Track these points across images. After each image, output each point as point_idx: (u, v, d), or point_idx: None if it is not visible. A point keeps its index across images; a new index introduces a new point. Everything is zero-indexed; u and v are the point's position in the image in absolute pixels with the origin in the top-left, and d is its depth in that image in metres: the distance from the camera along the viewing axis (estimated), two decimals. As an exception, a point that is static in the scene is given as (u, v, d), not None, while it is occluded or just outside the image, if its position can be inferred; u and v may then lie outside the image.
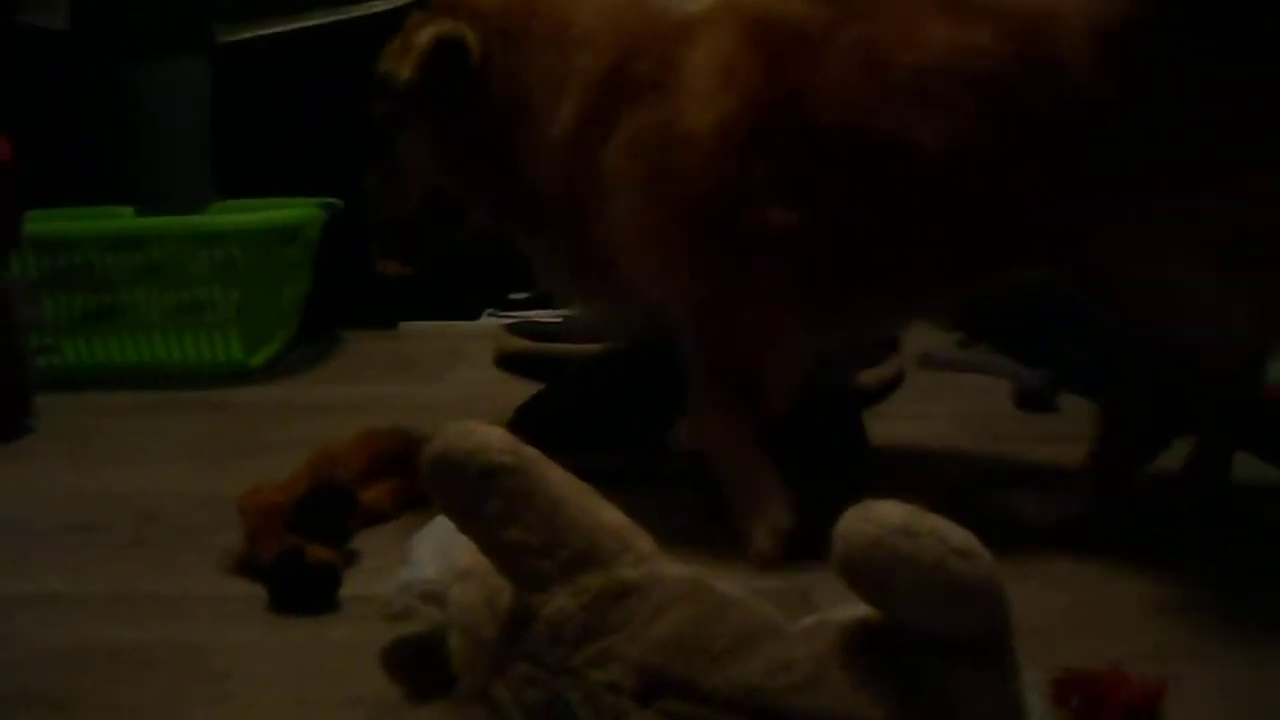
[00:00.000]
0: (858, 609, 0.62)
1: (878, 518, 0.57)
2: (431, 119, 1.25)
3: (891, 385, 1.60)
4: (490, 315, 2.43)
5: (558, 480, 0.65)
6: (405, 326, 2.39)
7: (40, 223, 1.90)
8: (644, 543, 0.66)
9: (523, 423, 1.34)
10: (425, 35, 1.19)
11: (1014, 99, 1.06)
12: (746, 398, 1.14)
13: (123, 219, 2.16)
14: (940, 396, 1.65)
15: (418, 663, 0.78)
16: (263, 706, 0.86)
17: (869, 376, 1.62)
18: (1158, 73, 1.03)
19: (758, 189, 1.11)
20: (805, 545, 1.05)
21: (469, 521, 0.66)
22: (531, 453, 0.65)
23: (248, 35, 2.43)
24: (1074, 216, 1.08)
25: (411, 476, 1.03)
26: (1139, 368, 1.19)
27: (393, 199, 1.34)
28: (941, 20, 1.10)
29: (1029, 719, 0.62)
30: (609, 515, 0.66)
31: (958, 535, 0.57)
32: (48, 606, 1.07)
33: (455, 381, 1.93)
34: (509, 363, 1.56)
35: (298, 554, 1.02)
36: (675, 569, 0.65)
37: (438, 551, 0.79)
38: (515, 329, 1.59)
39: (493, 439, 0.64)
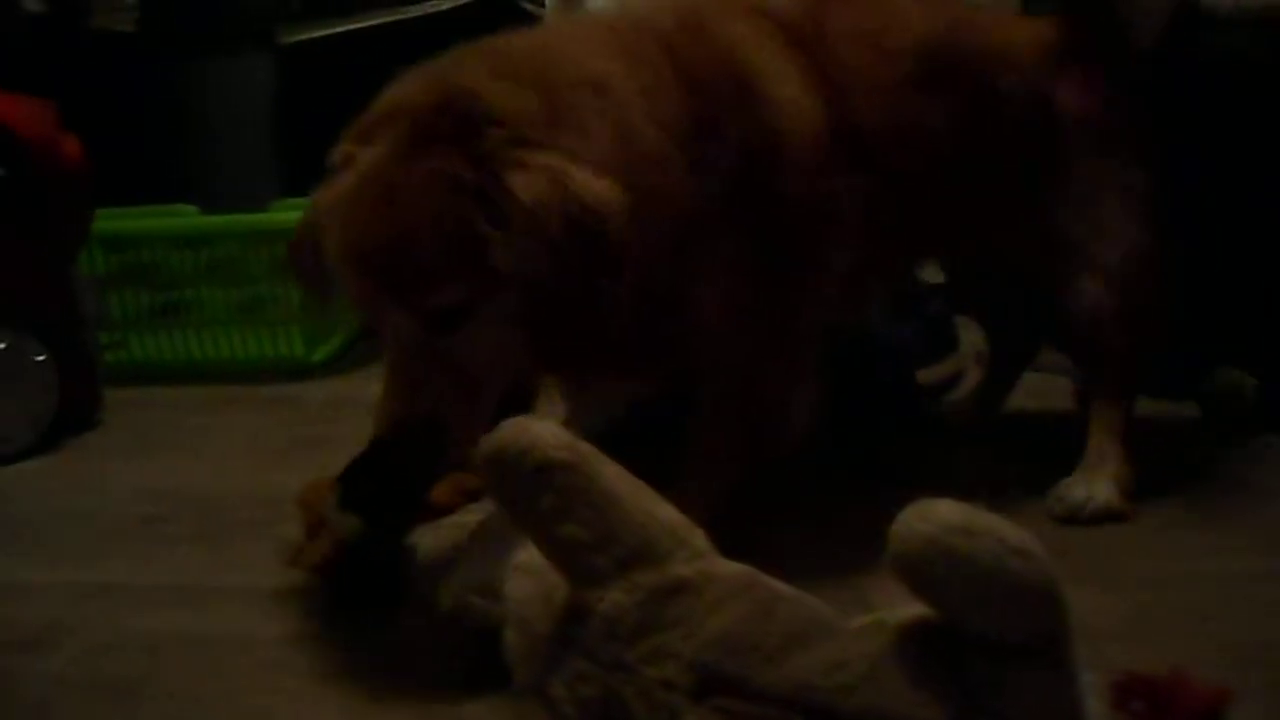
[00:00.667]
0: (914, 609, 0.61)
1: (935, 516, 0.56)
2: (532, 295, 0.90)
3: (950, 382, 1.59)
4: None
5: (613, 477, 0.65)
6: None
7: (108, 221, 1.94)
8: (698, 539, 0.66)
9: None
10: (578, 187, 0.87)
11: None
12: (765, 442, 1.09)
13: (188, 217, 2.20)
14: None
15: (472, 657, 0.79)
16: (318, 696, 0.87)
17: (929, 374, 1.61)
18: None
19: (835, 194, 1.07)
20: (863, 545, 1.04)
21: (524, 517, 0.66)
22: (587, 449, 0.65)
23: (310, 35, 2.46)
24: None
25: (469, 471, 1.04)
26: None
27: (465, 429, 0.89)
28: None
29: (1088, 720, 0.61)
30: (664, 512, 0.66)
31: (1015, 534, 0.56)
32: (114, 596, 1.09)
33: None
34: None
35: (358, 550, 1.02)
36: (729, 566, 0.65)
37: (494, 547, 0.80)
38: None
39: (548, 435, 0.65)
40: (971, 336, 1.66)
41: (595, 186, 0.87)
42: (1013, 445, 1.46)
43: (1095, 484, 1.19)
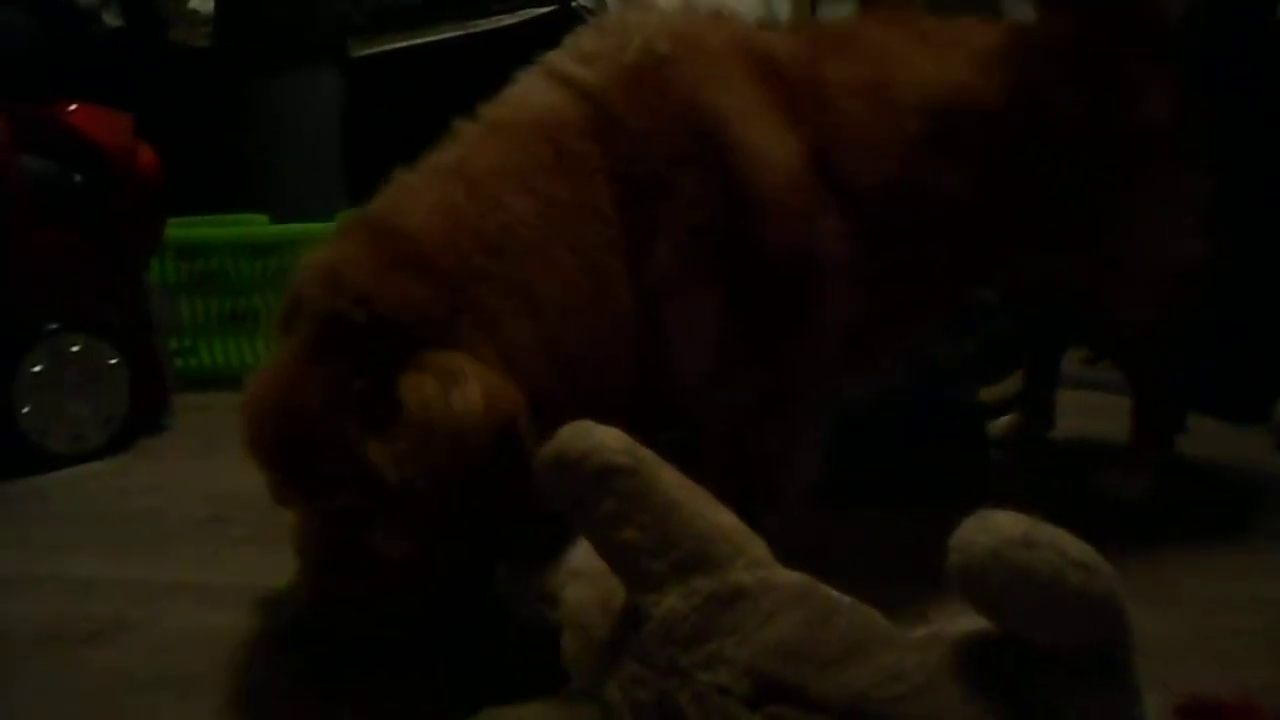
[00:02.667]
0: (973, 621, 0.61)
1: (995, 528, 0.56)
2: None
3: (1012, 402, 1.57)
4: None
5: (672, 482, 0.65)
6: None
7: (180, 229, 1.98)
8: (757, 547, 0.66)
9: None
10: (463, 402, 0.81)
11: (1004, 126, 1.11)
12: (760, 501, 0.95)
13: (257, 226, 2.24)
14: (1064, 414, 1.61)
15: (530, 660, 0.80)
16: (374, 694, 0.88)
17: (991, 393, 1.60)
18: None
19: (820, 247, 0.99)
20: (921, 557, 1.03)
21: (584, 521, 0.66)
22: (647, 454, 0.66)
23: (378, 49, 2.50)
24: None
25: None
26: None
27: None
28: (925, 55, 1.11)
29: (1150, 742, 0.60)
30: (723, 518, 0.66)
31: (1077, 548, 0.55)
32: (179, 594, 1.12)
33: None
34: None
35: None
36: (787, 574, 0.65)
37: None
38: None
39: (608, 439, 0.65)
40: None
41: (490, 390, 0.81)
42: (1073, 462, 1.45)
43: (1131, 476, 1.27)
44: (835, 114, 1.02)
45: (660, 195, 0.94)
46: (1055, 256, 1.23)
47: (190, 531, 1.31)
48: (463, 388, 0.80)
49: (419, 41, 2.42)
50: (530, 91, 0.99)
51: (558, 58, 1.01)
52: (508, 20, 2.21)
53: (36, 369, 1.58)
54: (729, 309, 0.96)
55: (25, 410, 1.57)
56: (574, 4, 2.11)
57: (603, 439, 0.65)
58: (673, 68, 0.97)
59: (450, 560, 0.89)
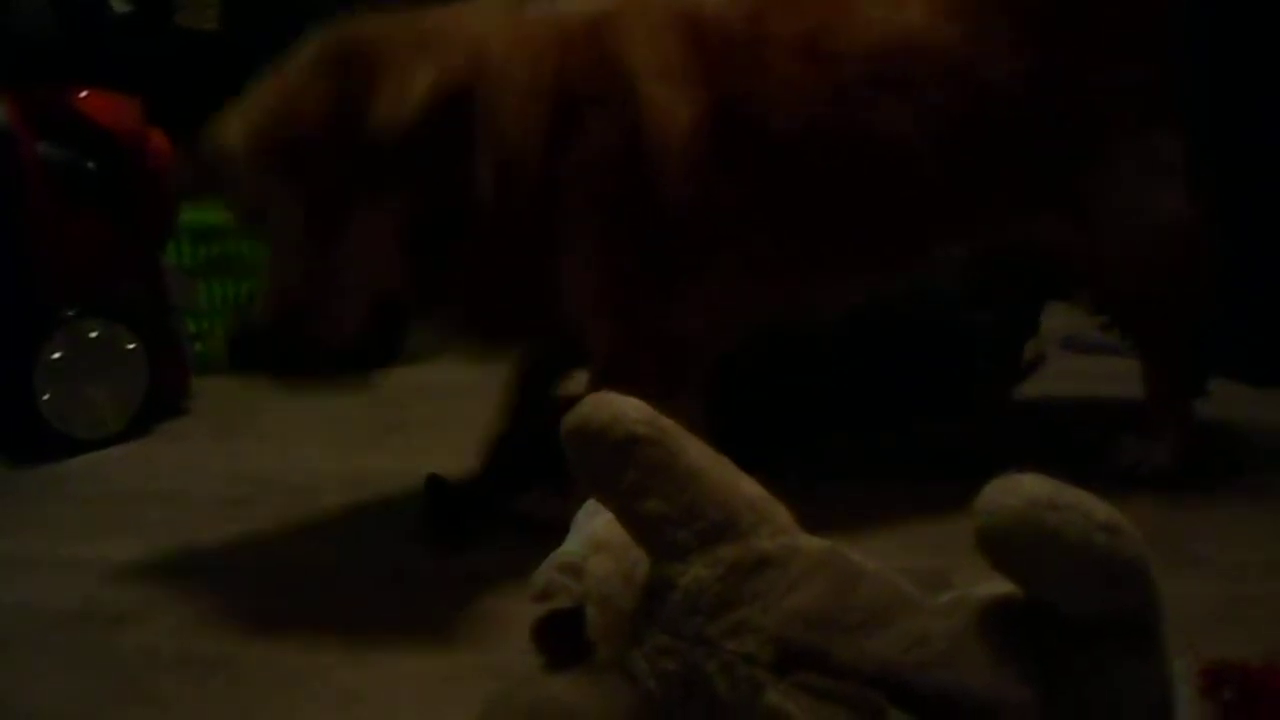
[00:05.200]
0: (998, 586, 0.61)
1: (1021, 491, 0.55)
2: (408, 192, 1.01)
3: (1031, 368, 1.57)
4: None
5: (695, 451, 0.65)
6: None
7: (194, 214, 1.98)
8: (781, 515, 0.65)
9: None
10: (423, 78, 0.98)
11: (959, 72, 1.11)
12: None
13: (271, 209, 2.23)
14: (1083, 379, 1.60)
15: (555, 633, 0.80)
16: (404, 673, 0.89)
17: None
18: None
19: (721, 198, 1.06)
20: (946, 525, 1.04)
21: (607, 492, 0.66)
22: (669, 424, 0.65)
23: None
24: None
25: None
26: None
27: (327, 313, 1.03)
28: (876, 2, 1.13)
29: (1177, 707, 0.59)
30: (746, 487, 0.66)
31: (1104, 510, 0.55)
32: (203, 575, 1.12)
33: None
34: None
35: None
36: (812, 541, 0.65)
37: (577, 524, 0.80)
38: None
39: (630, 410, 0.65)
40: (1052, 323, 1.64)
41: (445, 66, 0.98)
42: (1091, 427, 1.44)
43: (1152, 446, 1.24)
44: (761, 66, 1.08)
45: (574, 126, 1.04)
46: (1028, 215, 1.23)
47: (213, 513, 1.31)
48: (432, 62, 0.98)
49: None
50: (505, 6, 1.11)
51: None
52: None
53: (55, 356, 1.59)
54: (622, 246, 1.06)
55: (46, 397, 1.57)
56: None
57: (624, 409, 0.65)
58: (611, 23, 1.08)
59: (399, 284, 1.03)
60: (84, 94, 1.67)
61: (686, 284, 1.08)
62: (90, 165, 1.66)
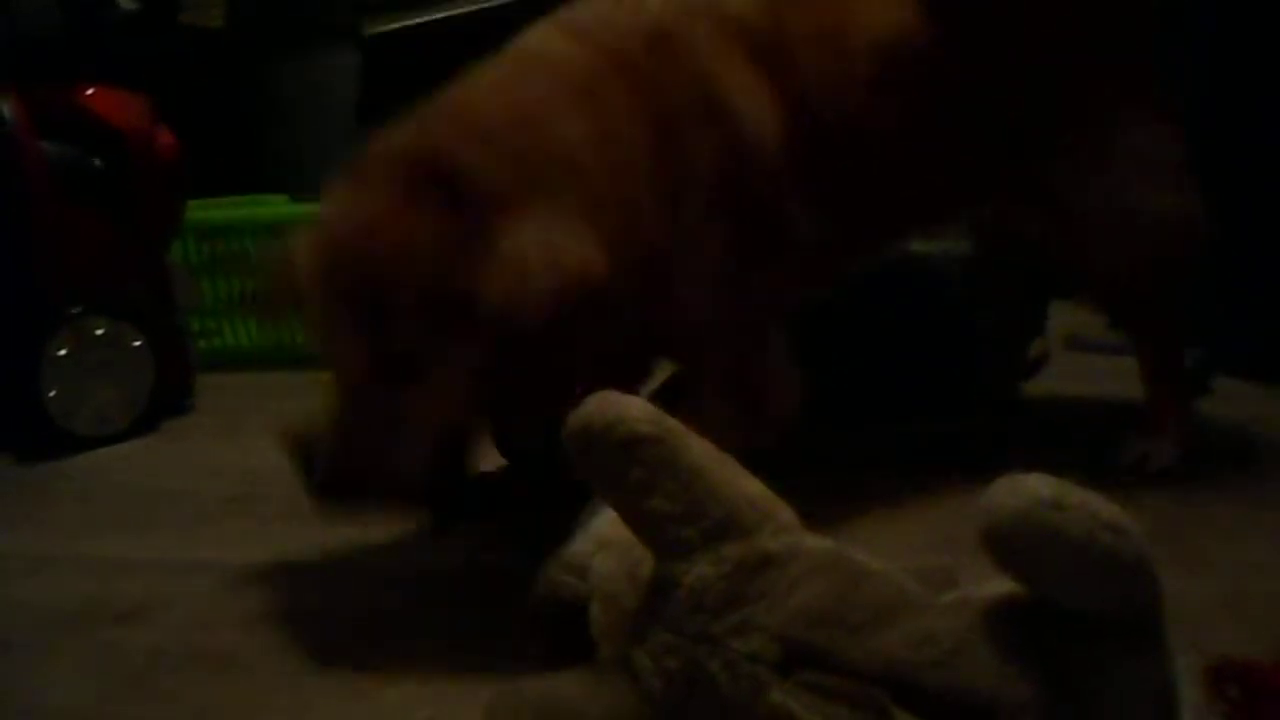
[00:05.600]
0: (1002, 585, 0.61)
1: (1025, 490, 0.55)
2: (500, 347, 0.90)
3: (1036, 366, 1.57)
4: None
5: (699, 450, 0.65)
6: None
7: (200, 211, 1.99)
8: (785, 513, 0.66)
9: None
10: (548, 277, 0.86)
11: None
12: (753, 426, 1.06)
13: (276, 206, 2.24)
14: (1088, 379, 1.60)
15: (559, 631, 0.80)
16: (413, 671, 0.89)
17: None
18: None
19: (796, 193, 1.09)
20: (949, 520, 1.04)
21: (611, 491, 0.66)
22: (673, 423, 0.66)
23: (393, 27, 2.50)
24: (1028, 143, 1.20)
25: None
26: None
27: (390, 460, 0.93)
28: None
29: (1181, 705, 0.60)
30: (750, 485, 0.66)
31: (1108, 509, 0.55)
32: (210, 572, 1.12)
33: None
34: None
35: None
36: (816, 540, 0.65)
37: (581, 522, 0.80)
38: None
39: (634, 409, 0.65)
40: (1057, 322, 1.64)
41: (579, 247, 0.88)
42: (1095, 426, 1.44)
43: (1154, 443, 1.24)
44: (797, 64, 1.10)
45: (675, 144, 1.01)
46: (1018, 205, 1.26)
47: (219, 511, 1.32)
48: (565, 240, 0.87)
49: (433, 18, 2.41)
50: (546, 41, 1.05)
51: (566, 18, 1.08)
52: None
53: (61, 353, 1.59)
54: (727, 254, 1.06)
55: (51, 394, 1.58)
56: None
57: (628, 408, 0.65)
58: (682, 37, 1.05)
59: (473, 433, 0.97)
60: (91, 91, 1.67)
61: (776, 262, 1.11)
62: (96, 163, 1.66)
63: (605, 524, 0.76)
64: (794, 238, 1.11)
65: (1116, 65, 1.22)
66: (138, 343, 1.69)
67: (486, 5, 2.33)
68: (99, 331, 1.64)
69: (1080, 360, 1.80)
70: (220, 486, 1.39)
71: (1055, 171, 1.22)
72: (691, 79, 1.04)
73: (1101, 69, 1.22)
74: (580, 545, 0.79)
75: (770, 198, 1.09)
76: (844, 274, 1.28)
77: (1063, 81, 1.21)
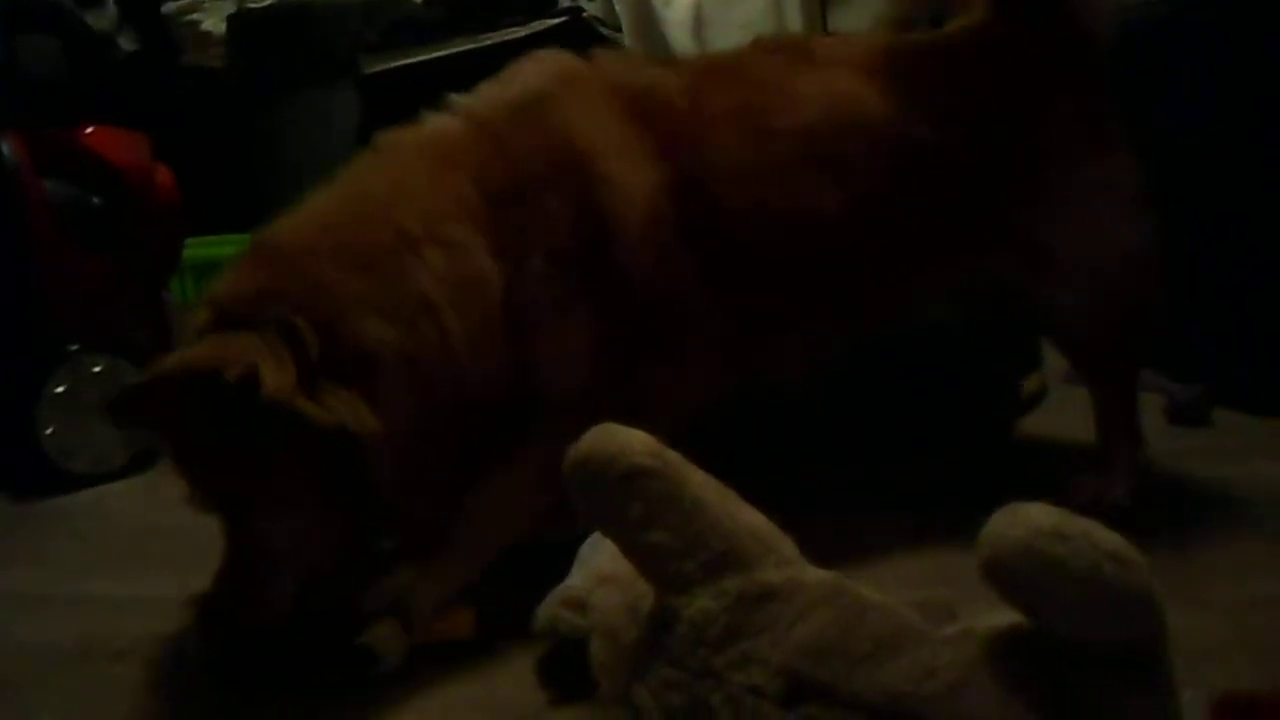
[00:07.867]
0: (1004, 617, 0.60)
1: (1028, 521, 0.55)
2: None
3: (1034, 400, 1.56)
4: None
5: (700, 483, 0.65)
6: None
7: (198, 249, 1.99)
8: (786, 546, 0.65)
9: None
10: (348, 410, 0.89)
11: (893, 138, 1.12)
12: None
13: (274, 244, 2.24)
14: (1086, 412, 1.60)
15: (559, 667, 0.79)
16: (411, 707, 0.88)
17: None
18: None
19: (681, 273, 1.07)
20: (951, 551, 1.03)
21: (611, 525, 0.66)
22: (674, 456, 0.65)
23: (390, 65, 2.51)
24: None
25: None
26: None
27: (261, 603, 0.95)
28: (807, 76, 1.14)
29: (1185, 737, 0.59)
30: (751, 518, 0.66)
31: (1111, 540, 0.55)
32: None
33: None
34: None
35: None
36: (817, 573, 0.65)
37: (581, 558, 0.80)
38: None
39: (635, 442, 0.65)
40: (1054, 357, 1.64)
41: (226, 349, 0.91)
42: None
43: (1108, 480, 1.22)
44: (706, 143, 1.09)
45: (529, 213, 1.02)
46: (981, 254, 1.23)
47: (214, 549, 1.30)
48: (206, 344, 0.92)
49: (429, 57, 2.43)
50: (431, 120, 1.08)
51: (464, 96, 1.11)
52: (519, 33, 2.20)
53: (59, 390, 1.59)
54: (596, 328, 1.03)
55: (49, 431, 1.57)
56: (584, 15, 2.11)
57: (628, 442, 0.65)
58: (550, 102, 1.07)
59: (327, 548, 0.96)
60: (90, 130, 1.68)
61: (654, 354, 1.08)
62: (96, 201, 1.67)
63: (605, 559, 0.76)
64: (680, 331, 1.08)
65: (1072, 113, 1.21)
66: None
67: (481, 44, 2.34)
68: (97, 369, 1.64)
69: (1078, 394, 1.79)
70: (216, 525, 1.38)
71: (1018, 219, 1.20)
72: (549, 142, 1.04)
73: (1052, 119, 1.21)
74: (579, 580, 0.79)
75: (643, 278, 1.04)
76: (791, 371, 1.22)
77: (1021, 138, 1.19)
